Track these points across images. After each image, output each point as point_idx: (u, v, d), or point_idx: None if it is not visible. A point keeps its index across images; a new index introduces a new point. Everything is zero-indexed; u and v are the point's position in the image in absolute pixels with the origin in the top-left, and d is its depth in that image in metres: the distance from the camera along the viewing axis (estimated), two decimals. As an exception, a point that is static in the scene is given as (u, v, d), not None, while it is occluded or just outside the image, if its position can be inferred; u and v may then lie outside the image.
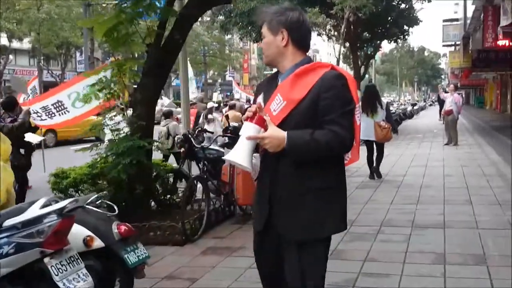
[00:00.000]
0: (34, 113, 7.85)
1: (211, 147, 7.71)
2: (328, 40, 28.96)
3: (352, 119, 2.56)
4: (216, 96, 29.65)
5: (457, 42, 29.65)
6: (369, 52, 28.64)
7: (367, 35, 26.98)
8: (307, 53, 2.67)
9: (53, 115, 7.78)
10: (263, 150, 2.59)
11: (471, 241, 5.56)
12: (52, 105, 7.74)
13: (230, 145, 8.53)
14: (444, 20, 31.01)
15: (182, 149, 7.44)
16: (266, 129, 2.46)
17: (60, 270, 3.28)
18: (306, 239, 2.54)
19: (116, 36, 6.89)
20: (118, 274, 3.96)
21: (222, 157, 7.17)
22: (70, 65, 47.85)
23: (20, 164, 7.53)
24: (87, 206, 3.93)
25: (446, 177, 9.96)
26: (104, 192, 4.60)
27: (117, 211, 4.07)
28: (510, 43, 15.28)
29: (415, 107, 43.23)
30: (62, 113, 7.76)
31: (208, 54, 56.23)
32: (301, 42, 2.62)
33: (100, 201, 4.12)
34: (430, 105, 73.91)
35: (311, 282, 2.57)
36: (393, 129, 10.40)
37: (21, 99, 10.03)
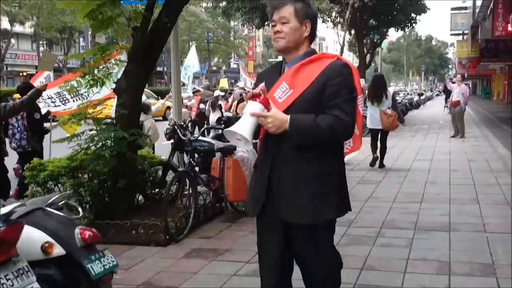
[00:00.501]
0: (48, 98, 7.77)
1: (202, 138, 7.27)
2: (333, 27, 28.37)
3: (355, 106, 2.62)
4: (224, 83, 28.79)
5: (465, 31, 28.95)
6: (375, 40, 28.02)
7: (373, 22, 26.38)
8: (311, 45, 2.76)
9: (67, 101, 7.68)
10: (264, 134, 2.64)
11: (478, 247, 5.09)
12: (67, 90, 7.53)
13: (220, 138, 8.09)
14: (453, 8, 30.24)
15: (172, 141, 6.97)
16: (269, 110, 2.48)
17: (5, 286, 2.84)
18: (306, 223, 2.58)
19: (99, 19, 6.46)
20: (81, 285, 3.52)
21: (214, 149, 6.76)
22: (74, 50, 47.37)
23: (33, 149, 7.71)
24: (47, 208, 3.48)
25: (452, 172, 9.48)
26: (68, 192, 4.15)
27: (81, 213, 3.61)
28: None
29: (422, 97, 42.56)
30: (76, 99, 7.66)
31: (212, 41, 55.59)
32: (314, 36, 2.72)
33: (63, 202, 3.67)
34: (437, 95, 73.04)
35: (324, 267, 2.70)
36: (399, 118, 10.48)
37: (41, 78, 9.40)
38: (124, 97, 6.24)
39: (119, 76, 6.54)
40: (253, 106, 2.48)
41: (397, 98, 28.51)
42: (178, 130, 6.83)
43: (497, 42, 24.14)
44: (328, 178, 2.60)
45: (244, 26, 27.82)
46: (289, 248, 2.71)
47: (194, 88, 16.81)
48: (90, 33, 48.35)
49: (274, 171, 2.61)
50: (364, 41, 27.46)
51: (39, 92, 6.68)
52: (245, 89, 21.81)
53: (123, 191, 6.01)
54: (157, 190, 6.79)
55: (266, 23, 26.11)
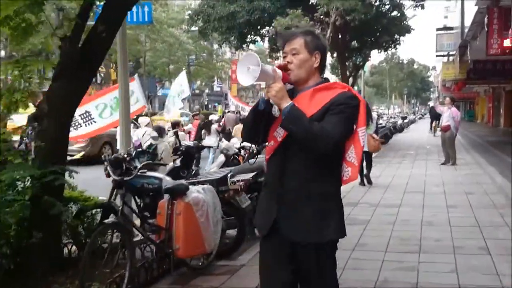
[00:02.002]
0: None
1: (152, 174, 5.94)
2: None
3: (347, 130, 2.69)
4: (220, 109, 28.49)
5: (451, 52, 28.14)
6: (358, 62, 27.05)
7: (356, 44, 25.45)
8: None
9: (79, 126, 7.82)
10: (271, 154, 2.79)
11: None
12: (80, 115, 7.73)
13: (177, 173, 6.79)
14: (438, 29, 29.39)
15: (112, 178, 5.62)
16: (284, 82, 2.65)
17: None
18: (309, 241, 2.67)
19: (21, 27, 5.18)
20: None
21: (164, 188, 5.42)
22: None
23: None
24: None
25: (450, 209, 8.23)
26: None
27: None
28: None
29: (405, 121, 41.75)
30: (88, 124, 7.89)
31: (193, 64, 54.50)
32: (324, 67, 2.84)
33: None
34: (420, 118, 72.72)
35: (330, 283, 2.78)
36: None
37: None
38: (46, 124, 4.92)
39: None
40: (277, 70, 2.63)
41: (380, 121, 27.82)
42: (124, 163, 5.52)
43: (485, 63, 23.28)
44: (331, 198, 2.72)
45: (220, 47, 26.64)
46: (294, 274, 2.75)
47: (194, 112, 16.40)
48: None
49: (281, 191, 2.70)
50: (347, 63, 26.52)
51: None
52: (239, 112, 21.28)
53: (40, 247, 4.65)
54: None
55: (246, 43, 25.23)
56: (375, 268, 5.20)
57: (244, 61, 2.61)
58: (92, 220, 5.52)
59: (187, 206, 4.88)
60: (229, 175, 5.71)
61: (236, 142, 9.54)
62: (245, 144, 9.87)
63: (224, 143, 8.94)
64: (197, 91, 64.18)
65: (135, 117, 10.70)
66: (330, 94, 2.68)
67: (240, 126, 13.65)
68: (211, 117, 14.18)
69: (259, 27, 23.14)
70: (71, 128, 7.13)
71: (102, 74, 47.51)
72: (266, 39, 25.64)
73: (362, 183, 10.77)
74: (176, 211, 4.88)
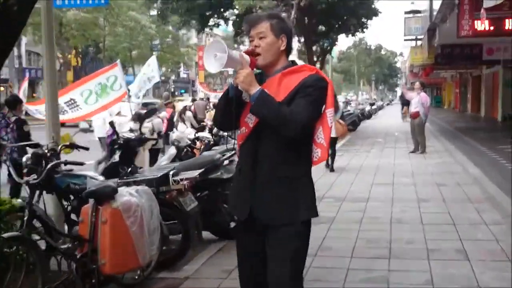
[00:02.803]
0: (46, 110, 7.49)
1: (82, 173, 5.10)
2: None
3: (315, 112, 2.70)
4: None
5: (419, 36, 27.66)
6: (325, 47, 26.39)
7: (323, 28, 24.78)
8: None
9: (65, 112, 7.81)
10: (243, 140, 2.78)
11: None
12: (65, 103, 7.76)
13: (114, 170, 5.97)
14: (406, 12, 28.85)
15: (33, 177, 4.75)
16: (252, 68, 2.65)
17: None
18: (283, 222, 2.69)
19: None
20: None
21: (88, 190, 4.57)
22: (7, 60, 44.16)
23: None
24: None
25: (421, 203, 7.58)
26: None
27: None
28: (494, 28, 13.06)
29: (373, 107, 41.42)
30: (74, 110, 7.90)
31: (156, 49, 53.00)
32: (290, 50, 2.83)
33: None
34: (388, 104, 72.86)
35: (294, 267, 2.72)
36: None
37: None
38: None
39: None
40: (245, 56, 2.62)
41: (348, 108, 27.29)
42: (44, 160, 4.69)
43: (453, 48, 22.90)
44: (302, 180, 2.75)
45: (179, 29, 25.57)
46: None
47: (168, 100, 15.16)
48: (25, 42, 45.42)
49: (253, 175, 2.71)
50: (314, 48, 25.84)
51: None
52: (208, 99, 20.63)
53: None
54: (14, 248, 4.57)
55: (208, 27, 24.26)
56: (339, 279, 4.49)
57: (210, 48, 2.61)
58: (7, 228, 4.66)
59: (115, 212, 4.05)
60: (171, 172, 4.90)
61: (190, 132, 8.70)
62: (200, 134, 9.08)
63: (175, 134, 8.09)
64: (162, 78, 62.70)
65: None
66: (299, 77, 2.69)
67: (213, 113, 13.33)
68: (183, 104, 14.23)
69: (222, 9, 22.24)
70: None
71: (61, 61, 45.84)
72: (230, 22, 24.79)
73: (332, 169, 11.03)
74: (102, 218, 4.05)
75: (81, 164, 4.70)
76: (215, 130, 9.29)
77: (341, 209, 7.34)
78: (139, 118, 9.18)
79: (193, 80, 78.76)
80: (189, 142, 8.05)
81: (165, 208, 4.83)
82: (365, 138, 19.91)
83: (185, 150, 8.25)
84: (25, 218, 3.86)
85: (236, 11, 22.27)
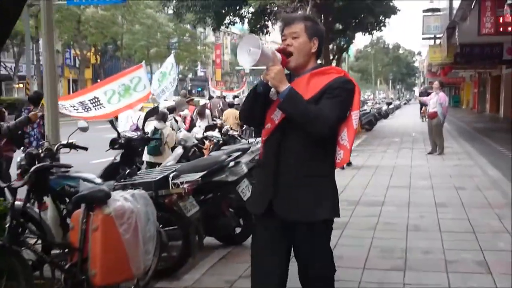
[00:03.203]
0: (71, 106, 8.15)
1: (78, 174, 4.83)
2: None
3: (342, 114, 2.75)
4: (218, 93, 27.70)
5: (438, 35, 27.07)
6: (341, 45, 25.93)
7: (339, 26, 24.32)
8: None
9: (89, 109, 8.08)
10: (267, 136, 2.83)
11: None
12: (89, 100, 8.06)
13: (115, 171, 5.70)
14: (425, 10, 28.17)
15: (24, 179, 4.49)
16: (283, 65, 2.70)
17: None
18: (302, 220, 2.73)
19: None
20: None
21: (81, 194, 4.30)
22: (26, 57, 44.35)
23: None
24: None
25: (439, 208, 7.20)
26: None
27: None
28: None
29: (391, 106, 40.81)
30: (98, 108, 8.11)
31: (174, 47, 52.89)
32: (320, 53, 2.90)
33: None
34: (405, 103, 72.03)
35: (322, 264, 2.83)
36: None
37: None
38: None
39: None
40: (277, 53, 2.67)
41: (364, 107, 26.81)
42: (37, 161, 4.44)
43: (473, 47, 22.34)
44: (325, 179, 2.80)
45: (195, 27, 25.29)
46: (286, 253, 2.86)
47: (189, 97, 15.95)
48: (41, 40, 45.56)
49: (276, 171, 2.75)
50: (331, 46, 25.42)
51: (29, 121, 6.54)
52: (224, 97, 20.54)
53: None
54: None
55: (224, 25, 23.94)
56: (349, 293, 4.16)
57: (244, 42, 2.63)
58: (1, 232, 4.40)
59: (106, 219, 3.75)
60: (171, 175, 4.59)
61: (198, 131, 8.42)
62: (209, 133, 8.79)
63: (182, 133, 7.80)
64: (180, 76, 62.58)
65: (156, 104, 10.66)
66: (326, 79, 2.75)
67: (230, 111, 14.42)
68: (202, 102, 14.33)
69: (237, 7, 21.91)
70: (82, 111, 8.14)
71: (80, 58, 45.93)
72: (246, 20, 24.46)
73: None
74: (92, 225, 3.76)
75: (68, 166, 4.41)
76: (224, 129, 9.01)
77: (355, 214, 6.98)
78: (163, 117, 9.11)
79: (210, 78, 78.69)
80: (196, 142, 7.75)
81: (164, 213, 4.54)
82: (382, 138, 19.49)
83: (192, 150, 7.96)
84: (7, 225, 3.57)
85: (251, 9, 21.96)
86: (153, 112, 7.38)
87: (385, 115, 34.29)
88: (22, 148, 7.78)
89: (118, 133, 6.50)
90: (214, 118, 12.19)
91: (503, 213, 6.73)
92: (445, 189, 8.63)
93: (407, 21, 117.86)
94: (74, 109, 8.32)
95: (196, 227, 4.76)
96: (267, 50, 2.60)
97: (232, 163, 5.50)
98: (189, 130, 11.52)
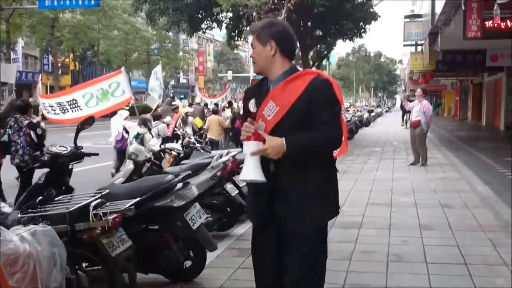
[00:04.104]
0: (49, 106, 8.37)
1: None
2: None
3: (340, 118, 2.87)
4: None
5: (419, 42, 26.48)
6: (322, 51, 25.18)
7: (319, 32, 23.58)
8: (292, 61, 2.95)
9: (66, 111, 8.23)
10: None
11: None
12: (67, 102, 8.22)
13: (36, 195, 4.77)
14: (406, 16, 27.56)
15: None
16: (264, 142, 2.73)
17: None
18: (311, 227, 2.83)
19: None
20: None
21: None
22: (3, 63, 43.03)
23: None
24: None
25: (424, 231, 6.36)
26: None
27: None
28: (505, 27, 11.80)
29: (372, 114, 40.24)
30: (75, 110, 8.24)
31: (153, 54, 51.87)
32: (287, 51, 2.90)
33: None
34: (386, 111, 71.72)
35: (316, 274, 2.93)
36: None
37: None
38: None
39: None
40: (250, 146, 2.73)
41: (346, 115, 26.10)
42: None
43: (455, 54, 21.75)
44: (326, 187, 2.85)
45: (168, 31, 24.35)
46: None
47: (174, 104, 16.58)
48: (21, 45, 44.26)
49: (277, 179, 2.79)
50: (311, 53, 24.69)
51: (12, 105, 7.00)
52: (206, 105, 21.28)
53: None
54: None
55: (200, 30, 23.05)
56: None
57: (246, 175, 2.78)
58: None
59: (-9, 267, 2.84)
60: (93, 203, 3.66)
61: (155, 143, 7.49)
62: (169, 145, 7.89)
63: (132, 146, 6.85)
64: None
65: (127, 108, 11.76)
66: (303, 82, 2.76)
67: (213, 117, 15.09)
68: (185, 110, 14.86)
69: (213, 11, 21.06)
70: (59, 112, 8.25)
71: (55, 64, 44.72)
72: (224, 25, 23.65)
73: None
74: (-28, 276, 2.84)
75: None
76: (185, 140, 8.13)
77: (328, 238, 6.09)
78: (144, 123, 9.31)
79: (193, 85, 77.78)
80: (148, 156, 6.82)
81: (84, 250, 3.62)
82: (363, 147, 18.72)
83: (148, 164, 7.03)
84: None
85: (229, 14, 21.14)
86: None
87: (367, 123, 33.65)
88: (9, 156, 7.97)
89: (42, 150, 5.55)
90: (175, 129, 11.35)
91: (497, 238, 5.90)
92: (430, 207, 7.81)
93: (388, 29, 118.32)
94: (52, 109, 8.59)
95: (126, 266, 3.83)
96: (255, 163, 2.71)
97: (179, 185, 4.59)
98: (171, 138, 12.16)
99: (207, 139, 9.91)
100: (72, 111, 8.41)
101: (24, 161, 7.83)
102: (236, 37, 23.81)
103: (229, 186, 6.45)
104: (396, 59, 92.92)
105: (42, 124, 8.48)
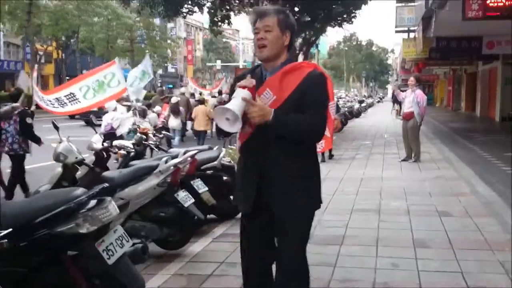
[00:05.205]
0: (49, 101, 8.41)
1: None
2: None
3: (327, 113, 2.96)
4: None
5: (412, 28, 25.29)
6: (310, 38, 23.95)
7: (307, 17, 22.35)
8: None
9: (65, 104, 8.32)
10: (247, 139, 2.94)
11: None
12: (65, 96, 8.33)
13: None
14: (398, 1, 26.28)
15: None
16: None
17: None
18: (298, 216, 2.91)
19: None
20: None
21: None
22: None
23: (25, 152, 8.18)
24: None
25: (418, 248, 5.20)
26: None
27: None
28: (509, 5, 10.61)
29: (363, 104, 39.07)
30: (73, 103, 8.36)
31: (137, 41, 50.37)
32: (292, 47, 2.99)
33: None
34: (378, 101, 70.61)
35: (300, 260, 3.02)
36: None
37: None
38: None
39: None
40: (243, 93, 2.73)
41: (334, 108, 24.98)
42: None
43: (449, 41, 20.58)
44: (310, 173, 2.96)
45: (139, 14, 23.02)
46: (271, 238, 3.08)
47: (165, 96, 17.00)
48: (3, 33, 42.68)
49: (266, 169, 2.87)
50: (299, 40, 23.47)
51: (14, 109, 7.27)
52: (193, 95, 20.90)
53: None
54: None
55: (181, 14, 21.79)
56: None
57: (219, 118, 2.74)
58: None
59: None
60: None
61: (97, 140, 6.26)
62: (118, 142, 6.69)
63: (61, 146, 5.58)
64: (146, 72, 59.88)
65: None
66: (299, 74, 2.83)
67: (200, 107, 15.36)
68: (173, 99, 14.61)
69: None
70: (58, 106, 8.30)
71: (41, 53, 43.29)
72: (206, 10, 22.40)
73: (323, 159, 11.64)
74: None
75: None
76: (137, 137, 6.93)
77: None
78: (143, 114, 9.49)
79: (181, 74, 76.37)
80: (80, 158, 5.58)
81: None
82: (351, 140, 17.61)
83: (85, 167, 5.80)
84: None
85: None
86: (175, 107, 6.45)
87: (357, 114, 32.50)
88: None
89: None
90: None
91: (509, 261, 4.76)
92: (425, 215, 6.66)
93: (380, 16, 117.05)
94: (51, 104, 8.57)
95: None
96: (240, 107, 2.68)
97: (92, 202, 3.39)
98: (161, 128, 12.44)
99: (161, 135, 8.69)
100: (71, 104, 8.51)
101: (14, 149, 7.98)
102: (220, 23, 22.63)
103: (181, 195, 5.25)
104: (388, 49, 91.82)
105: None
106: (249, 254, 3.11)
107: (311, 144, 2.98)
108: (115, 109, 11.31)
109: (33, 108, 8.54)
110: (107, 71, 8.78)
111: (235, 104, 2.68)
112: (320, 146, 3.06)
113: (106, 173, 5.31)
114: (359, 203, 7.45)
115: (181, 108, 14.70)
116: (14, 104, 7.91)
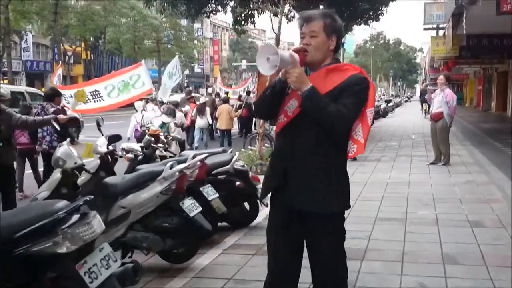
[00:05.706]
0: (70, 97, 8.55)
1: None
2: (288, 22, 23.67)
3: (359, 112, 2.84)
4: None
5: (441, 25, 24.51)
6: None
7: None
8: None
9: (88, 101, 8.37)
10: (281, 128, 2.93)
11: None
12: (90, 92, 8.39)
13: None
14: (427, -3, 25.58)
15: None
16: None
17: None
18: (320, 212, 2.80)
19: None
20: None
21: None
22: (14, 53, 41.93)
23: None
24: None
25: (448, 266, 4.69)
26: None
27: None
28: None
29: (390, 104, 38.27)
30: (97, 101, 8.49)
31: (164, 42, 50.29)
32: (339, 49, 2.94)
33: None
34: (406, 101, 69.44)
35: (335, 258, 2.93)
36: None
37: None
38: None
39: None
40: (294, 55, 2.70)
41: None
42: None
43: (480, 38, 19.79)
44: (338, 172, 2.87)
45: (162, 13, 22.74)
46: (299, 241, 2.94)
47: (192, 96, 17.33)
48: (32, 34, 43.07)
49: (290, 163, 2.84)
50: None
51: (55, 120, 6.22)
52: (217, 94, 21.38)
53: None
54: None
55: (204, 14, 21.47)
56: None
57: (262, 52, 2.70)
58: None
59: None
60: None
61: (102, 143, 5.90)
62: (126, 145, 6.32)
63: (61, 150, 5.20)
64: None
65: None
66: (342, 75, 2.81)
67: (223, 106, 15.43)
68: (201, 99, 14.81)
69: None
70: (81, 103, 8.23)
71: (70, 53, 43.59)
72: (229, 9, 22.02)
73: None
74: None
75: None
76: (145, 140, 6.55)
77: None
78: (172, 113, 9.57)
79: (207, 74, 76.40)
80: (79, 163, 5.20)
81: None
82: (377, 141, 17.02)
83: (88, 173, 5.44)
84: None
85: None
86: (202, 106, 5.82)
87: (384, 114, 31.83)
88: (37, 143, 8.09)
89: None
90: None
91: (552, 282, 4.23)
92: (455, 225, 6.12)
93: (408, 14, 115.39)
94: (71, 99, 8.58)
95: None
96: (285, 55, 2.65)
97: (74, 218, 2.99)
98: (189, 127, 13.37)
99: (171, 137, 8.34)
100: (95, 101, 8.59)
101: (53, 147, 7.68)
102: (243, 22, 22.24)
103: (187, 203, 4.83)
104: (416, 47, 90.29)
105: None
106: (277, 263, 2.98)
107: (339, 139, 2.85)
108: (143, 110, 11.80)
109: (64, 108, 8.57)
110: (133, 72, 8.98)
111: (283, 53, 2.63)
112: (352, 150, 2.93)
113: (109, 179, 4.93)
114: (383, 211, 6.94)
115: (207, 108, 14.95)
116: (60, 117, 7.73)
